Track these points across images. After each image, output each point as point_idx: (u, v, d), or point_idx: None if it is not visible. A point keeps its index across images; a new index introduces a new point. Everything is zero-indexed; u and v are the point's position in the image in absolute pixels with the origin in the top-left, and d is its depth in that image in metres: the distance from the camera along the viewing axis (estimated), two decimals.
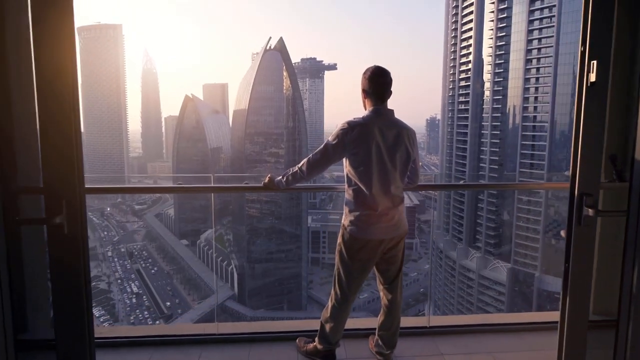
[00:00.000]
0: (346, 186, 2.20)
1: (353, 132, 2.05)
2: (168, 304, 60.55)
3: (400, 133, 2.11)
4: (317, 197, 77.31)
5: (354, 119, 2.12)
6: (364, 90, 2.18)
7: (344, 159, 2.16)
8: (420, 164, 2.36)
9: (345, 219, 2.20)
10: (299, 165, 2.24)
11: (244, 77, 74.91)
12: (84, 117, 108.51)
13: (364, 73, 2.17)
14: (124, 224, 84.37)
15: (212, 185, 3.01)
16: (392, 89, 2.18)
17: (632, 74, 2.11)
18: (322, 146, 2.16)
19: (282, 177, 2.30)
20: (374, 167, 2.06)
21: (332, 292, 2.28)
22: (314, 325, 2.45)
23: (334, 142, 2.09)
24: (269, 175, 2.43)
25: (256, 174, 57.11)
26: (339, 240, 2.22)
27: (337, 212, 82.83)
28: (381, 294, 2.36)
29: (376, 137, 2.05)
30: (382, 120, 2.11)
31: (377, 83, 2.13)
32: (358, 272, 2.21)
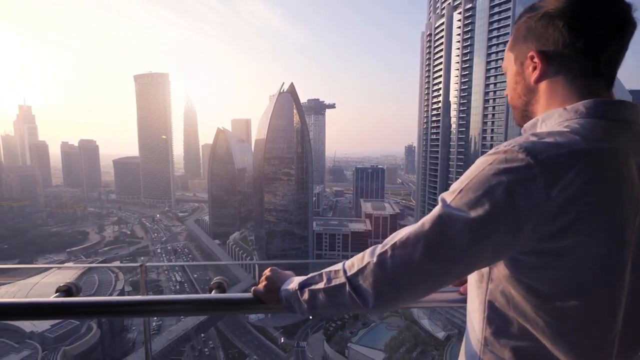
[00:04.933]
0: (485, 331, 0.71)
1: (559, 184, 0.55)
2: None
3: None
4: (320, 207, 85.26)
5: (546, 137, 0.59)
6: (543, 54, 0.67)
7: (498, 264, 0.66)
8: None
9: None
10: (354, 269, 0.72)
11: (263, 113, 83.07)
12: (140, 145, 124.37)
13: (540, 5, 0.66)
14: (170, 227, 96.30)
15: (181, 297, 1.10)
16: None
17: None
18: (431, 220, 0.62)
19: (304, 294, 0.81)
20: (617, 291, 0.61)
21: None
22: None
23: (481, 218, 0.57)
24: (269, 274, 0.92)
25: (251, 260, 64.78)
26: None
27: (336, 218, 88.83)
28: None
29: (633, 192, 0.59)
30: (636, 136, 0.63)
31: (604, 28, 0.61)
32: None
